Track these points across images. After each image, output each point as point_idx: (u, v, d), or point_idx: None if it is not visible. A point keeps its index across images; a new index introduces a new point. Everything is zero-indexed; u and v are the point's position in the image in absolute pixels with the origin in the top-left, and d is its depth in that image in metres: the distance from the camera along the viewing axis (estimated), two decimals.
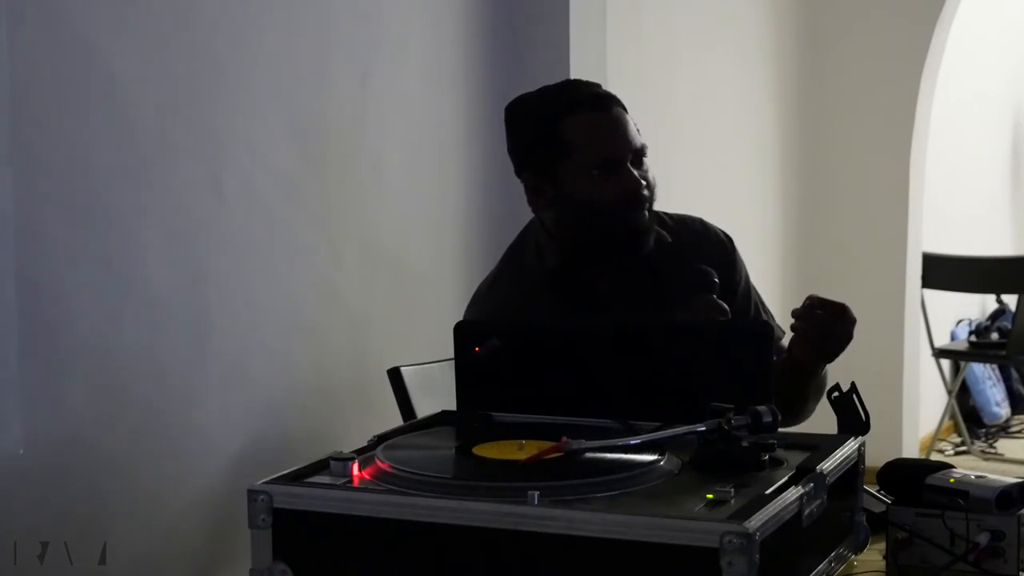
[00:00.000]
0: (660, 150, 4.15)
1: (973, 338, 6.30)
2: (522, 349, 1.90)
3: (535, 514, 1.39)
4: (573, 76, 3.25)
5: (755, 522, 1.33)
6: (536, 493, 1.41)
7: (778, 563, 1.39)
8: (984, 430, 6.56)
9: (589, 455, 1.55)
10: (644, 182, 2.18)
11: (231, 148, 2.64)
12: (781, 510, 1.41)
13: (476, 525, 1.41)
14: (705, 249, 2.29)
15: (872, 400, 1.92)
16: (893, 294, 5.38)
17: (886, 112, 5.30)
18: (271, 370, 2.76)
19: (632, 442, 1.59)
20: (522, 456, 1.56)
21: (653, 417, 1.72)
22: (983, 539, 1.70)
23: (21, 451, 2.24)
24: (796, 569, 1.50)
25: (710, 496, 1.43)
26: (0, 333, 2.19)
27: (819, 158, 5.38)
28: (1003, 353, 5.91)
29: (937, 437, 6.08)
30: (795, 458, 1.59)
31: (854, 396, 1.90)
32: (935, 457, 5.37)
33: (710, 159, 4.60)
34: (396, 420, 2.51)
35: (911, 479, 1.82)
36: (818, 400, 2.24)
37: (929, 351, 5.92)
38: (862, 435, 1.76)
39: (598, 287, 2.24)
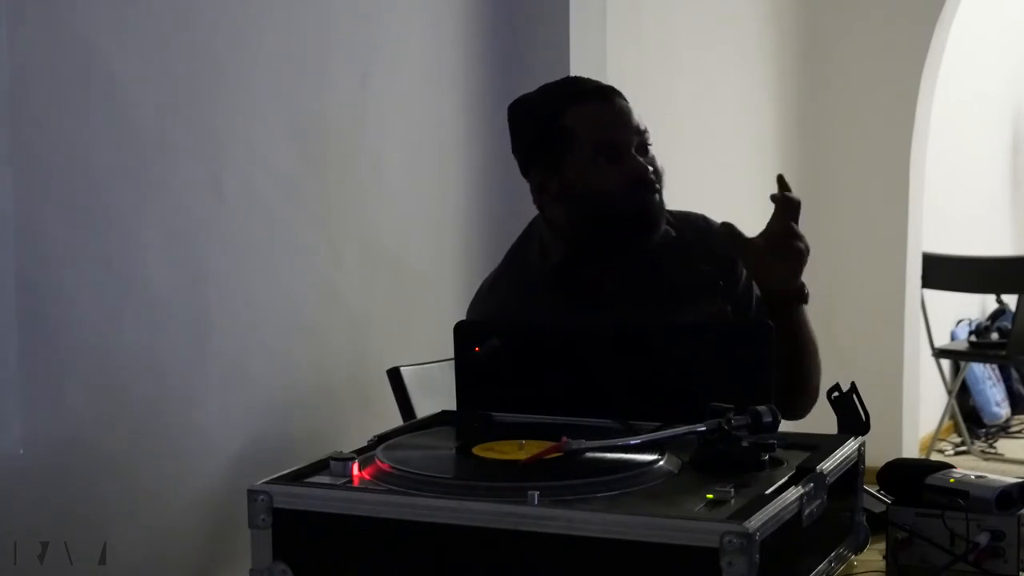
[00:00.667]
0: (660, 150, 4.15)
1: (973, 338, 6.30)
2: (522, 349, 1.90)
3: (535, 514, 1.39)
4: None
5: (755, 522, 1.33)
6: (536, 493, 1.41)
7: (778, 563, 1.39)
8: (984, 430, 6.56)
9: (589, 455, 1.55)
10: (651, 167, 2.19)
11: (231, 148, 2.64)
12: (781, 510, 1.41)
13: (476, 525, 1.41)
14: (710, 246, 2.29)
15: (872, 400, 1.92)
16: (893, 294, 5.38)
17: (886, 112, 5.30)
18: (271, 370, 2.76)
19: (632, 442, 1.59)
20: (522, 456, 1.56)
21: (653, 417, 1.72)
22: (983, 539, 1.70)
23: (21, 451, 2.24)
24: (796, 569, 1.50)
25: (710, 496, 1.43)
26: (0, 333, 2.19)
27: (819, 158, 5.38)
28: (1003, 353, 5.91)
29: (937, 437, 6.08)
30: (795, 458, 1.59)
31: (854, 396, 1.90)
32: (935, 457, 5.37)
33: (710, 159, 4.59)
34: (396, 420, 2.51)
35: (911, 479, 1.82)
36: (818, 373, 2.22)
37: (929, 351, 5.92)
38: (862, 435, 1.76)
39: (602, 284, 2.23)
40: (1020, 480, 1.78)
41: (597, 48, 3.51)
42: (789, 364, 2.12)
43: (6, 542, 2.20)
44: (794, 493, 1.46)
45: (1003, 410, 6.76)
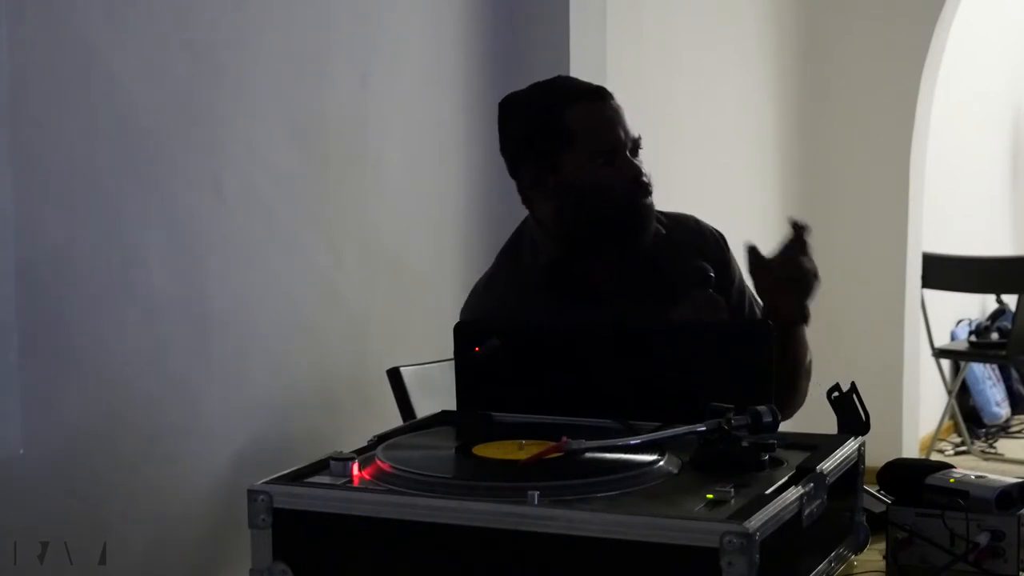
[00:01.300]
0: (660, 150, 4.14)
1: (973, 338, 6.30)
2: (522, 349, 1.90)
3: (535, 514, 1.39)
4: (573, 75, 3.25)
5: (755, 522, 1.33)
6: (536, 493, 1.41)
7: (778, 563, 1.39)
8: (984, 430, 6.56)
9: (589, 455, 1.55)
10: (643, 170, 2.22)
11: (231, 148, 2.64)
12: (781, 510, 1.41)
13: (476, 525, 1.41)
14: (699, 244, 2.31)
15: (872, 400, 1.92)
16: (893, 294, 5.38)
17: (886, 112, 5.30)
18: (271, 370, 2.76)
19: (632, 442, 1.59)
20: (522, 456, 1.56)
21: (653, 417, 1.72)
22: (983, 539, 1.70)
23: (21, 451, 2.24)
24: (796, 569, 1.50)
25: (710, 496, 1.43)
26: (0, 333, 2.19)
27: (819, 158, 5.38)
28: (1003, 353, 5.91)
29: (937, 437, 6.08)
30: (795, 458, 1.59)
31: (854, 396, 1.90)
32: (935, 457, 5.37)
33: (710, 159, 4.60)
34: (396, 420, 2.51)
35: (911, 479, 1.82)
36: (808, 378, 2.24)
37: (929, 351, 5.92)
38: (862, 435, 1.76)
39: (595, 282, 2.24)
40: (1020, 480, 1.78)
41: (597, 48, 3.51)
42: (780, 376, 2.13)
43: (6, 542, 2.20)
44: (794, 493, 1.46)
45: (1003, 410, 6.76)
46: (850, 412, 1.89)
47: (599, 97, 2.25)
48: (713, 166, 4.61)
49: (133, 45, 2.42)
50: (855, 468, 1.69)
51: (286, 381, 2.80)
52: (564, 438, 1.55)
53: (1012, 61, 7.68)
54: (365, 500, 1.48)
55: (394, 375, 2.63)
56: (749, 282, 2.34)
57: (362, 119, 2.98)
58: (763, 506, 1.38)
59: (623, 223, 2.20)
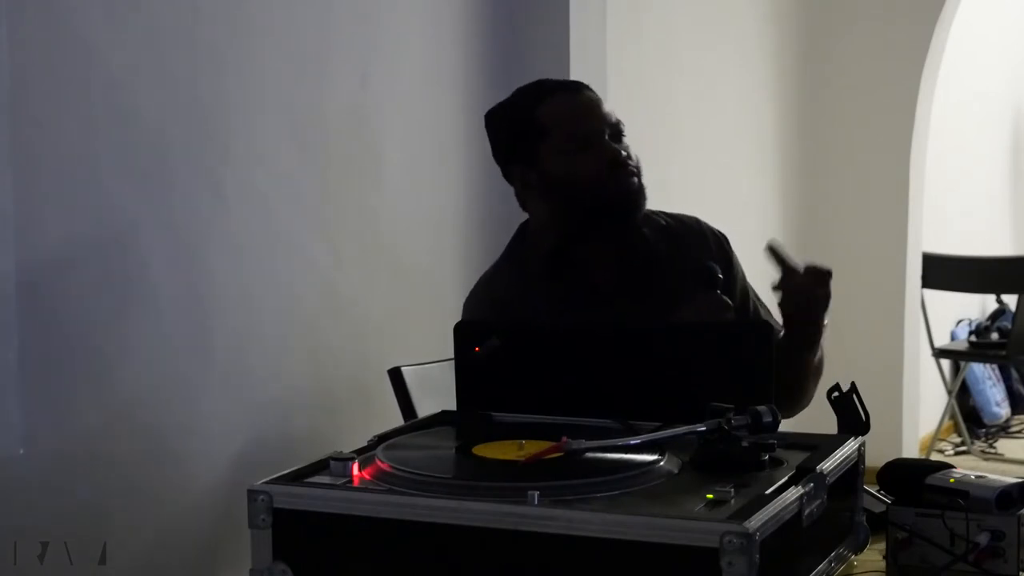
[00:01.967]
0: (660, 150, 4.16)
1: (973, 338, 6.30)
2: (522, 349, 1.91)
3: (535, 514, 1.39)
4: (573, 76, 3.25)
5: (755, 522, 1.33)
6: (536, 493, 1.41)
7: (778, 563, 1.39)
8: (984, 430, 6.56)
9: (589, 455, 1.55)
10: (624, 153, 2.22)
11: (231, 148, 2.64)
12: (781, 510, 1.41)
13: (476, 525, 1.41)
14: (703, 245, 2.31)
15: (872, 400, 1.92)
16: (893, 294, 5.38)
17: (886, 112, 5.30)
18: (271, 370, 2.76)
19: (632, 442, 1.59)
20: (522, 456, 1.56)
21: (653, 417, 1.72)
22: (983, 539, 1.70)
23: (21, 451, 2.24)
24: (796, 569, 1.50)
25: (710, 496, 1.43)
26: (0, 333, 2.19)
27: (819, 158, 5.38)
28: (1003, 353, 5.91)
29: (937, 437, 6.08)
30: (795, 458, 1.59)
31: (854, 396, 1.90)
32: (935, 457, 5.37)
33: (710, 159, 4.60)
34: (396, 420, 2.51)
35: (911, 479, 1.82)
36: (817, 382, 2.24)
37: (929, 351, 5.92)
38: (862, 435, 1.76)
39: (598, 278, 2.24)
40: (1020, 480, 1.78)
41: (597, 48, 3.51)
42: (788, 376, 2.14)
43: (6, 542, 2.20)
44: (794, 493, 1.46)
45: (1003, 410, 6.75)
46: (850, 412, 1.89)
47: (572, 89, 2.29)
48: (713, 166, 4.61)
49: (133, 45, 2.42)
50: (855, 468, 1.69)
51: (286, 381, 2.80)
52: (564, 438, 1.55)
53: (1012, 61, 7.68)
54: (365, 500, 1.48)
55: (395, 375, 2.63)
56: (754, 284, 2.34)
57: (362, 119, 2.98)
58: (763, 506, 1.38)
59: (610, 206, 2.21)
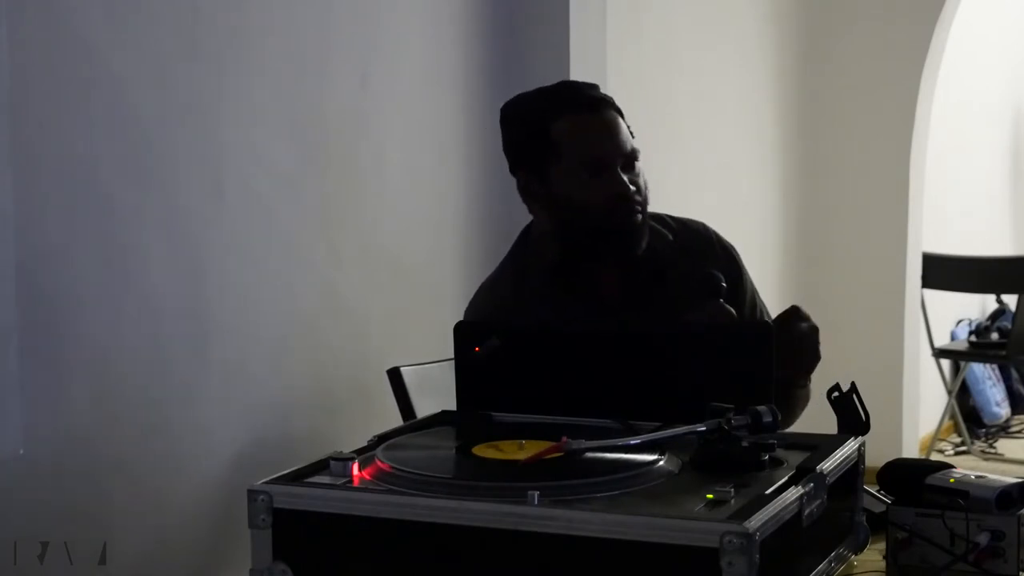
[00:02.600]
0: (660, 150, 4.16)
1: (973, 338, 6.30)
2: (522, 349, 1.90)
3: (535, 514, 1.39)
4: (573, 76, 3.25)
5: (755, 522, 1.33)
6: (536, 493, 1.41)
7: (778, 563, 1.39)
8: (984, 430, 6.56)
9: (589, 455, 1.55)
10: (634, 187, 2.17)
11: (231, 148, 2.64)
12: (781, 510, 1.41)
13: (476, 525, 1.41)
14: (709, 253, 2.28)
15: (872, 400, 1.92)
16: (893, 294, 5.38)
17: (886, 112, 5.30)
18: (271, 370, 2.76)
19: (632, 442, 1.59)
20: (522, 456, 1.56)
21: (653, 417, 1.72)
22: (983, 539, 1.70)
23: (21, 451, 2.24)
24: (796, 569, 1.50)
25: (710, 496, 1.43)
26: (0, 333, 2.19)
27: (819, 158, 5.38)
28: (1003, 353, 5.91)
29: (937, 437, 6.08)
30: (795, 458, 1.59)
31: (854, 396, 1.90)
32: (935, 457, 5.37)
33: (710, 159, 4.60)
34: (396, 420, 2.51)
35: (911, 479, 1.82)
36: (802, 409, 2.24)
37: (929, 351, 5.92)
38: (862, 435, 1.76)
39: (602, 287, 2.23)
40: (1020, 480, 1.78)
41: (597, 48, 3.51)
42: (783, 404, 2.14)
43: (6, 542, 2.20)
44: (794, 493, 1.46)
45: (1003, 410, 6.76)
46: (850, 412, 1.89)
47: (591, 109, 2.20)
48: (713, 166, 4.61)
49: (133, 45, 2.42)
50: (855, 468, 1.69)
51: (286, 381, 2.80)
52: (564, 438, 1.55)
53: (1012, 61, 7.68)
54: (365, 500, 1.48)
55: (394, 375, 2.63)
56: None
57: (362, 119, 2.98)
58: (763, 506, 1.38)
59: (608, 238, 2.18)
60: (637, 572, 1.36)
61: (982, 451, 6.25)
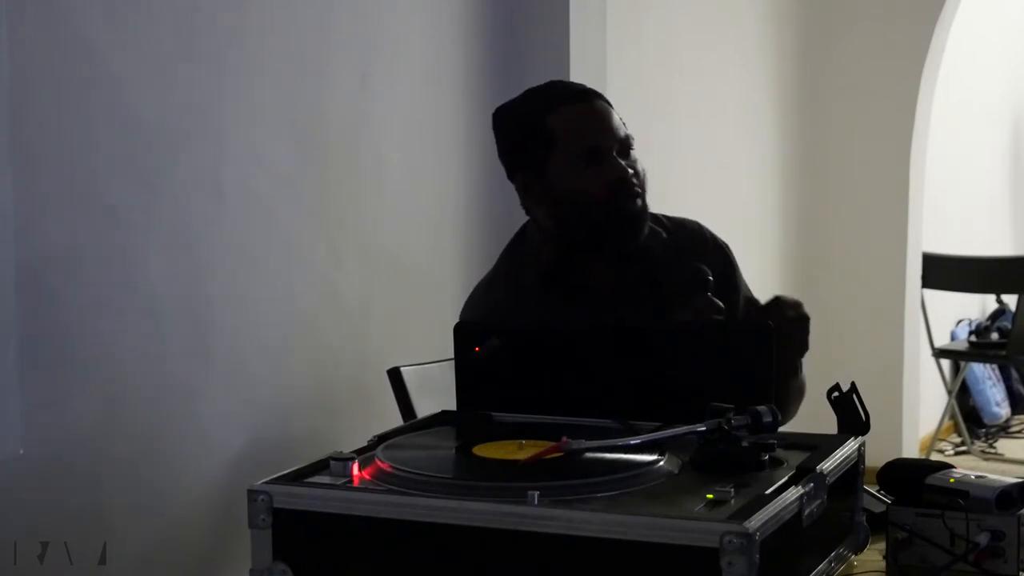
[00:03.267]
0: (660, 150, 4.15)
1: (973, 338, 6.30)
2: (522, 349, 1.90)
3: (535, 514, 1.39)
4: (573, 76, 3.25)
5: (755, 522, 1.33)
6: (536, 493, 1.41)
7: (778, 563, 1.39)
8: (984, 430, 6.56)
9: (589, 455, 1.55)
10: (631, 171, 2.19)
11: (231, 148, 2.64)
12: (781, 510, 1.41)
13: (476, 525, 1.41)
14: (703, 251, 2.29)
15: (872, 400, 1.92)
16: (893, 294, 5.39)
17: (886, 112, 5.30)
18: (271, 370, 2.76)
19: (632, 442, 1.59)
20: (522, 456, 1.56)
21: (653, 417, 1.72)
22: (983, 539, 1.70)
23: (21, 451, 2.24)
24: (796, 569, 1.50)
25: (710, 496, 1.43)
26: (0, 333, 2.19)
27: (819, 158, 5.38)
28: (1003, 353, 5.91)
29: (937, 437, 6.08)
30: (795, 458, 1.59)
31: (854, 396, 1.90)
32: (935, 457, 5.37)
33: (710, 159, 4.60)
34: (396, 420, 2.51)
35: (911, 479, 1.82)
36: (799, 403, 2.23)
37: (929, 351, 5.92)
38: (862, 435, 1.76)
39: (596, 286, 2.24)
40: (1020, 480, 1.78)
41: (597, 48, 3.51)
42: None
43: (6, 542, 2.20)
44: (794, 493, 1.46)
45: (1003, 410, 6.76)
46: (850, 412, 1.89)
47: (583, 99, 2.24)
48: (713, 166, 4.61)
49: (133, 45, 2.42)
50: (855, 468, 1.69)
51: (286, 381, 2.80)
52: (564, 438, 1.55)
53: (1012, 61, 7.68)
54: (365, 500, 1.48)
55: (394, 375, 2.63)
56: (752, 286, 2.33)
57: (362, 119, 2.98)
58: (763, 506, 1.38)
59: (611, 226, 2.19)
60: (637, 572, 1.36)
61: (982, 451, 6.25)
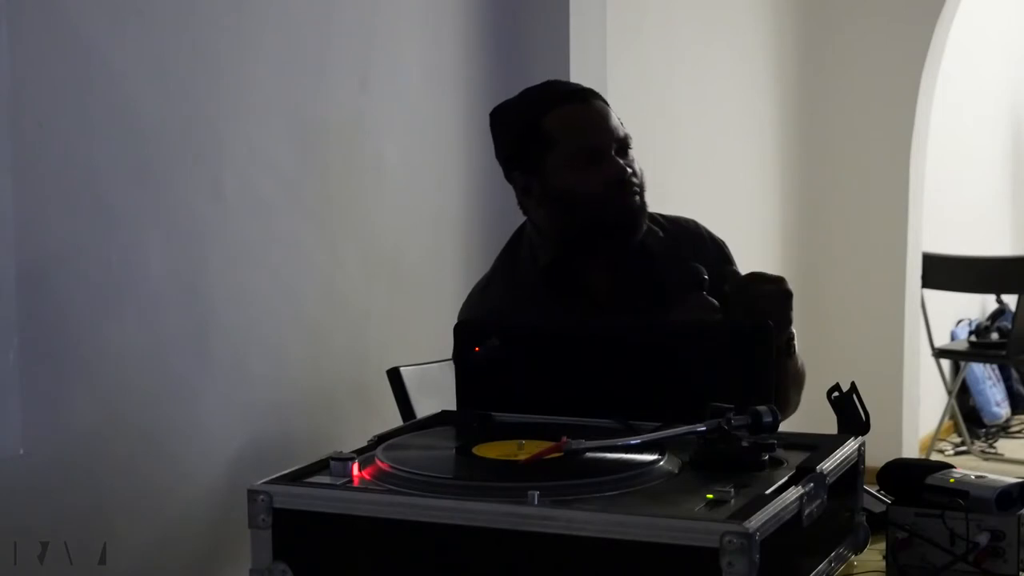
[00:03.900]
0: (660, 150, 4.15)
1: (973, 338, 6.30)
2: (522, 349, 1.90)
3: (535, 514, 1.39)
4: (573, 76, 3.25)
5: (755, 522, 1.33)
6: (536, 493, 1.40)
7: (778, 563, 1.38)
8: (984, 430, 6.56)
9: (589, 455, 1.55)
10: (630, 170, 2.19)
11: (231, 148, 2.64)
12: (781, 510, 1.41)
13: (476, 525, 1.41)
14: (700, 249, 2.29)
15: (872, 400, 1.92)
16: (893, 294, 5.39)
17: (886, 112, 5.30)
18: (271, 370, 2.76)
19: (632, 442, 1.59)
20: (522, 456, 1.56)
21: (653, 417, 1.72)
22: (983, 539, 1.70)
23: (21, 451, 2.24)
24: (796, 569, 1.50)
25: (710, 496, 1.43)
26: (0, 333, 2.19)
27: (819, 158, 5.38)
28: (1003, 353, 5.91)
29: (937, 437, 6.08)
30: (795, 458, 1.59)
31: (854, 396, 1.90)
32: (935, 457, 5.37)
33: (710, 159, 4.60)
34: (396, 420, 2.51)
35: (911, 479, 1.82)
36: (800, 391, 2.22)
37: (929, 351, 5.92)
38: (862, 435, 1.76)
39: (593, 286, 2.24)
40: (1020, 480, 1.78)
41: (597, 48, 3.51)
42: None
43: (6, 542, 2.20)
44: (794, 493, 1.46)
45: (1003, 410, 6.76)
46: (850, 412, 1.89)
47: (579, 99, 2.24)
48: (713, 166, 4.61)
49: (133, 45, 2.42)
50: (855, 468, 1.69)
51: (286, 381, 2.80)
52: (564, 438, 1.55)
53: (1012, 61, 7.69)
54: (365, 500, 1.48)
55: (394, 375, 2.63)
56: None
57: (362, 119, 2.98)
58: (763, 506, 1.38)
59: (610, 224, 2.19)
60: (637, 572, 1.36)
61: (982, 451, 6.25)
